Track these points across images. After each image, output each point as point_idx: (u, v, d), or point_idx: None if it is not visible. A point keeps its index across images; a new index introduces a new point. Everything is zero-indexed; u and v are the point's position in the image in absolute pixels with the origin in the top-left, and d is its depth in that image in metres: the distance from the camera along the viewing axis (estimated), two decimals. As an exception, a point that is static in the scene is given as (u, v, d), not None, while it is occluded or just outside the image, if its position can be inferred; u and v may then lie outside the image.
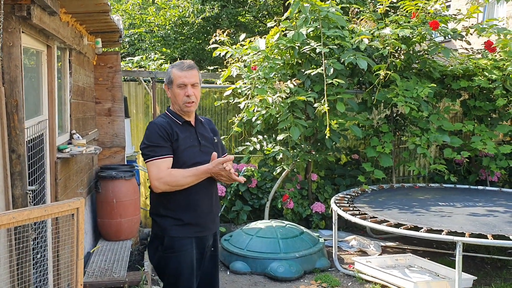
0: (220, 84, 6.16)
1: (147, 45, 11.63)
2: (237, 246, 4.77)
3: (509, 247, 5.13)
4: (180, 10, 12.22)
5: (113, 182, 4.80)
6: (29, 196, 2.67)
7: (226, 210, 5.91)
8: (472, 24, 5.70)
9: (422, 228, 3.96)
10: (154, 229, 2.60)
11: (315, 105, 5.04)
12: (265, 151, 5.67)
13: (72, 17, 3.71)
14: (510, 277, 4.53)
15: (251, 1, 5.42)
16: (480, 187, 5.76)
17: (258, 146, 5.70)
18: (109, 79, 5.49)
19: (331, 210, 4.86)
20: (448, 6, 18.16)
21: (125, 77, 6.27)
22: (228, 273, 4.65)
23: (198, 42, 12.19)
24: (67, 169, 3.84)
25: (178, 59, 8.71)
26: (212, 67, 6.93)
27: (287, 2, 5.40)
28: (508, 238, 3.76)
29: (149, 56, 7.05)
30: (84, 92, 4.78)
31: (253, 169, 6.04)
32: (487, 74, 5.62)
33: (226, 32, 5.77)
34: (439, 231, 3.88)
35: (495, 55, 5.92)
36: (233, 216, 5.91)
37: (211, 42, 5.68)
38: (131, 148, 5.88)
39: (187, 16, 12.10)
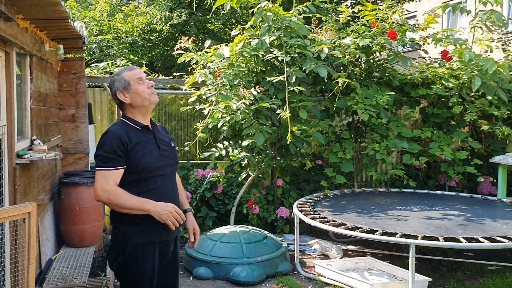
0: (185, 90, 6.21)
1: (115, 51, 11.56)
2: (200, 252, 4.81)
3: (465, 249, 5.32)
4: (148, 17, 12.21)
5: (76, 189, 4.78)
6: (-16, 202, 2.66)
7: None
8: (429, 34, 5.92)
9: (377, 231, 4.09)
10: (115, 236, 2.58)
11: (278, 112, 5.15)
12: (231, 157, 5.74)
13: (31, 23, 3.71)
14: (463, 278, 4.70)
15: (215, 9, 5.46)
16: (438, 192, 5.95)
17: (224, 152, 5.77)
18: (73, 85, 5.47)
19: (294, 214, 4.95)
20: (415, 16, 18.69)
21: (90, 83, 6.26)
22: (191, 278, 4.68)
23: (166, 48, 12.19)
24: (27, 175, 3.82)
25: (144, 65, 8.70)
26: (178, 74, 6.97)
27: (252, 10, 5.50)
28: (458, 240, 3.92)
29: (115, 62, 7.05)
30: (46, 98, 4.76)
31: (219, 175, 6.10)
32: (444, 82, 5.84)
33: (191, 39, 5.84)
34: (394, 234, 4.02)
35: (452, 64, 6.16)
36: (199, 222, 5.93)
37: (175, 48, 5.73)
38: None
39: (155, 23, 12.10)
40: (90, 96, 6.18)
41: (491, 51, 5.96)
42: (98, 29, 12.44)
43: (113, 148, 2.44)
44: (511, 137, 5.78)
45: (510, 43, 7.06)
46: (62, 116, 5.46)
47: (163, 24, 11.97)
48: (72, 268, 4.26)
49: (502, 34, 7.90)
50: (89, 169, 5.52)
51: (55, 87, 5.30)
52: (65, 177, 4.93)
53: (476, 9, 5.64)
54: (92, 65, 6.99)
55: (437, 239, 3.91)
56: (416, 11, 17.98)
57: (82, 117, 5.51)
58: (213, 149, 5.83)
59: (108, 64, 6.89)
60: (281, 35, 5.23)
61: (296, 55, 5.24)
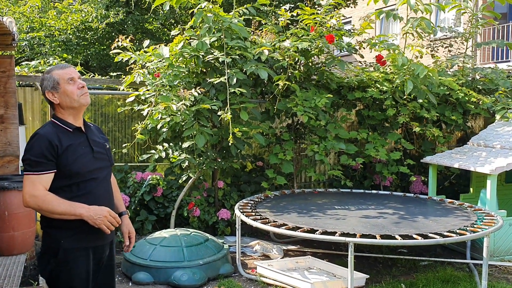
0: (123, 90, 6.05)
1: (47, 50, 11.05)
2: (139, 257, 4.69)
3: (399, 246, 5.55)
4: (83, 15, 11.78)
5: (4, 194, 4.51)
6: None
7: (130, 220, 5.77)
8: (365, 39, 6.13)
9: (317, 230, 4.17)
10: (46, 242, 2.46)
11: (219, 113, 5.13)
12: (171, 159, 5.65)
13: (-44, 17, 3.47)
14: (398, 274, 4.90)
15: (155, 8, 5.38)
16: (373, 191, 6.17)
17: (163, 154, 5.67)
18: (1, 84, 5.15)
19: (235, 216, 4.95)
20: (349, 22, 19.30)
21: (21, 83, 5.94)
22: (131, 284, 4.56)
23: (102, 48, 11.81)
24: (-51, 180, 3.55)
25: (79, 65, 8.38)
26: (115, 74, 6.77)
27: (191, 10, 5.45)
28: (394, 238, 4.07)
29: (48, 61, 6.73)
30: (-29, 98, 4.46)
31: (158, 178, 5.98)
32: (379, 86, 6.07)
33: (129, 38, 5.69)
34: (333, 233, 4.12)
35: (386, 69, 6.41)
36: (138, 226, 5.79)
37: (112, 47, 5.57)
38: (26, 157, 5.56)
39: (90, 21, 11.70)
40: (20, 96, 5.86)
41: (421, 57, 6.27)
42: (28, 26, 11.85)
43: (42, 151, 2.33)
44: (440, 138, 6.10)
45: (438, 49, 7.45)
46: (-11, 116, 5.14)
47: (99, 22, 11.61)
48: (1, 278, 4.01)
49: (431, 41, 8.33)
50: (20, 173, 5.24)
51: (-19, 86, 4.98)
52: (-8, 182, 4.64)
53: (407, 16, 5.90)
54: (23, 63, 6.63)
55: (374, 237, 4.05)
56: (351, 16, 18.60)
57: (12, 118, 5.20)
58: (153, 151, 5.71)
59: (40, 62, 6.56)
60: (221, 36, 5.22)
61: (237, 56, 5.25)
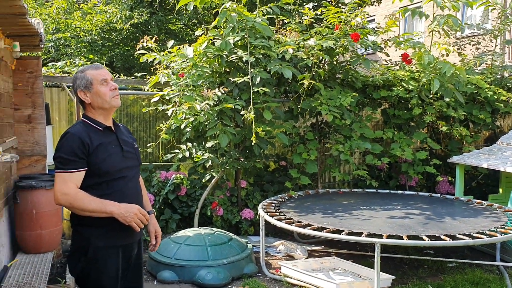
0: (148, 90, 6.09)
1: (72, 51, 11.22)
2: (164, 255, 4.71)
3: (425, 247, 5.46)
4: (108, 16, 11.93)
5: (32, 192, 4.58)
6: None
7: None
8: (390, 37, 6.05)
9: (343, 231, 4.12)
10: (76, 240, 2.48)
11: (242, 112, 5.12)
12: (194, 159, 5.67)
13: (-14, 19, 3.54)
14: (425, 275, 4.81)
15: (178, 9, 5.41)
16: (399, 192, 6.07)
17: (187, 154, 5.69)
18: (29, 85, 5.25)
19: (259, 216, 4.93)
20: (373, 20, 19.14)
21: (48, 83, 6.04)
22: (156, 282, 4.58)
23: (126, 48, 11.94)
24: (-20, 179, 3.63)
25: (104, 65, 8.45)
26: (140, 74, 6.83)
27: (215, 10, 5.45)
28: (421, 238, 4.00)
29: (74, 61, 6.83)
30: (0, 98, 4.55)
31: (182, 177, 6.00)
32: (404, 84, 5.98)
33: (154, 39, 5.73)
34: (359, 234, 4.06)
35: (412, 67, 6.31)
36: (162, 225, 5.83)
37: (137, 48, 5.61)
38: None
39: (115, 22, 11.84)
40: (47, 96, 5.96)
41: (448, 55, 6.15)
42: (54, 27, 12.05)
43: (73, 150, 2.35)
44: (468, 138, 5.98)
45: (465, 47, 7.30)
46: (17, 117, 5.23)
47: (123, 23, 11.73)
48: (29, 276, 4.07)
49: (457, 39, 8.16)
50: (47, 172, 5.32)
51: (10, 86, 5.07)
52: (21, 181, 4.72)
53: (434, 13, 5.79)
54: (49, 64, 6.74)
55: (401, 238, 3.98)
56: (374, 15, 18.41)
57: (39, 118, 5.29)
58: (176, 150, 5.74)
59: (66, 63, 6.66)
60: (245, 36, 5.21)
61: (261, 56, 5.23)
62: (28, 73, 5.21)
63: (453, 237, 4.03)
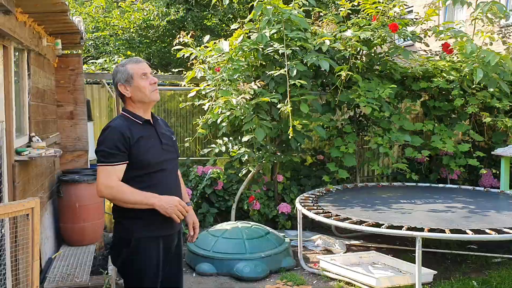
0: (184, 86, 6.15)
1: (111, 48, 11.47)
2: (202, 248, 4.76)
3: (469, 242, 5.30)
4: (145, 13, 12.11)
5: (75, 186, 4.72)
6: (-16, 199, 2.60)
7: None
8: (430, 26, 5.88)
9: (383, 224, 4.05)
10: (118, 232, 2.53)
11: (279, 106, 5.09)
12: (231, 153, 5.69)
13: (30, 17, 3.64)
14: (468, 271, 4.67)
15: (214, 3, 5.42)
16: (440, 185, 5.92)
17: (223, 148, 5.72)
18: (71, 82, 5.40)
19: (296, 210, 4.90)
20: (410, 11, 18.68)
21: (88, 80, 6.19)
22: (194, 275, 4.63)
23: (163, 45, 12.10)
24: (26, 173, 3.75)
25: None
26: (177, 70, 6.91)
27: (251, 4, 5.44)
28: (465, 232, 3.88)
29: (113, 59, 6.98)
30: (44, 95, 4.69)
31: (219, 171, 6.04)
32: (445, 75, 5.80)
33: (190, 34, 5.77)
34: (400, 227, 3.97)
35: (453, 57, 6.11)
36: (200, 218, 5.88)
37: (174, 43, 5.67)
38: (94, 152, 5.79)
39: (152, 19, 12.01)
40: (88, 93, 6.11)
41: (491, 44, 5.93)
42: (94, 26, 12.34)
43: (115, 143, 2.38)
44: (513, 129, 5.75)
45: (510, 35, 7.02)
46: (60, 113, 5.39)
47: (160, 20, 11.88)
48: (73, 267, 4.20)
49: (501, 27, 7.86)
50: (89, 167, 5.46)
51: (53, 83, 5.23)
52: (64, 175, 4.86)
53: (477, 0, 5.60)
54: (89, 61, 6.91)
55: (444, 231, 3.87)
56: (413, 6, 17.96)
57: (81, 114, 5.44)
58: (213, 145, 5.78)
59: (105, 60, 6.81)
60: (281, 28, 5.17)
61: (297, 48, 5.18)
62: (69, 71, 5.36)
63: (498, 231, 3.89)
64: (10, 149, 3.37)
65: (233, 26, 5.76)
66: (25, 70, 3.99)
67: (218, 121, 5.34)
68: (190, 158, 6.49)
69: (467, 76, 5.60)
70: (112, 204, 2.52)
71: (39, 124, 4.37)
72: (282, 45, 5.13)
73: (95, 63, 6.73)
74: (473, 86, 5.66)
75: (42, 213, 4.33)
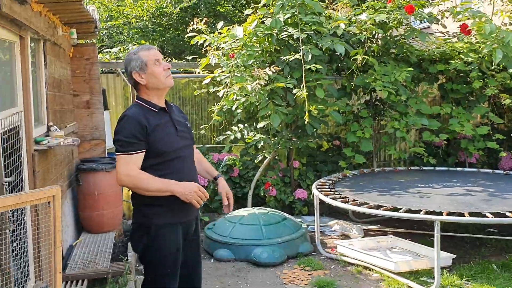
0: (199, 73, 6.14)
1: (125, 37, 11.49)
2: (220, 234, 4.79)
3: (488, 225, 5.24)
4: (158, 1, 12.09)
5: (94, 175, 4.77)
6: (6, 188, 2.64)
7: (209, 199, 5.90)
8: (448, 7, 5.76)
9: (401, 208, 4.02)
10: (138, 219, 2.55)
11: (294, 91, 5.06)
12: (246, 140, 5.68)
13: (45, 6, 3.66)
14: (488, 255, 4.63)
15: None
16: (459, 169, 5.85)
17: (239, 135, 5.71)
18: (86, 71, 5.43)
19: (313, 196, 4.90)
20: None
21: (103, 69, 6.22)
22: (212, 260, 4.67)
23: (177, 33, 12.08)
24: (45, 162, 3.80)
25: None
26: (191, 57, 6.90)
27: (264, -11, 5.38)
28: (484, 215, 3.84)
29: (127, 47, 6.99)
30: (60, 85, 4.73)
31: (234, 158, 6.05)
32: (463, 57, 5.69)
33: (204, 21, 5.75)
34: (418, 211, 3.95)
35: (471, 38, 5.99)
36: (216, 205, 5.92)
37: (188, 30, 5.65)
38: (111, 141, 5.83)
39: (165, 6, 11.98)
40: (103, 82, 6.13)
41: (511, 23, 5.79)
42: (107, 15, 12.36)
43: (132, 132, 2.39)
44: (534, 111, 5.65)
45: (530, 15, 6.84)
46: (76, 102, 5.43)
47: (173, 7, 11.84)
48: (94, 254, 4.26)
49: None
50: (106, 155, 5.51)
51: (68, 73, 5.26)
52: (82, 164, 4.92)
53: (495, -21, 5.47)
54: (104, 51, 6.94)
55: (463, 215, 3.83)
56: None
57: (97, 103, 5.47)
58: (228, 132, 5.78)
59: (120, 49, 6.83)
60: (295, 13, 5.11)
61: (312, 32, 5.13)
62: (85, 60, 5.38)
63: (519, 215, 3.84)
64: (29, 138, 3.42)
65: (246, 12, 5.72)
66: (42, 60, 4.02)
67: (233, 108, 5.33)
68: (206, 145, 6.50)
69: (486, 58, 5.49)
70: (130, 192, 2.54)
71: (56, 113, 4.41)
72: (297, 30, 5.08)
73: (110, 52, 6.75)
74: (492, 68, 5.54)
75: (62, 201, 4.39)
